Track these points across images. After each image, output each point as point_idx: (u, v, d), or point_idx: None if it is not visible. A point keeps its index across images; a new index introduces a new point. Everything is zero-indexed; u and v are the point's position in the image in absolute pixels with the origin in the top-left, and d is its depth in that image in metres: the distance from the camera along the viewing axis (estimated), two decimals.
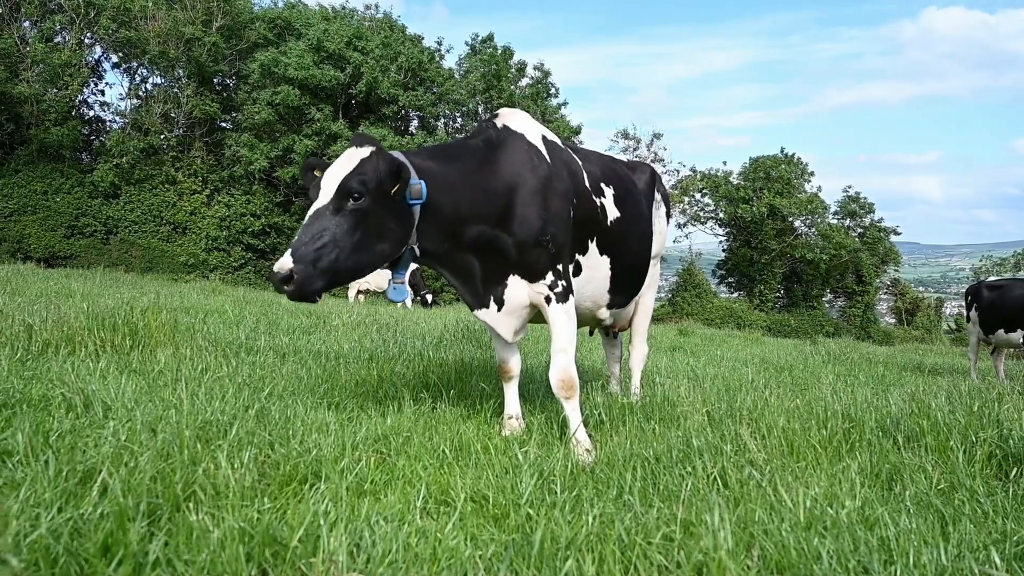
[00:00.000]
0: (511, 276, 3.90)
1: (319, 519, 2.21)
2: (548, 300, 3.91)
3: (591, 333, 6.08)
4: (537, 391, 5.04)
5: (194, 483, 2.43)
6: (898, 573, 2.09)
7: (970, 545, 2.38)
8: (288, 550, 2.04)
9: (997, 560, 2.16)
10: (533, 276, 3.89)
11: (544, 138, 4.13)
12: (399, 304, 20.23)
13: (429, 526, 2.38)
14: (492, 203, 3.76)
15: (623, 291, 4.74)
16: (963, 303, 13.10)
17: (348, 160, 3.34)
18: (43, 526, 1.87)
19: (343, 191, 3.26)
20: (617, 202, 4.56)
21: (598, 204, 4.36)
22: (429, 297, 21.68)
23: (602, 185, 4.49)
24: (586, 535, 2.27)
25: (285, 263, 3.12)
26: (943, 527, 2.59)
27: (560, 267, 3.96)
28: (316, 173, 3.41)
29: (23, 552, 1.79)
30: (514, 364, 4.23)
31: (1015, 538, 2.47)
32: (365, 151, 3.35)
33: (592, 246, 4.31)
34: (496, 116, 4.13)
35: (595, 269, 4.37)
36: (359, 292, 21.58)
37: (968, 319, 12.19)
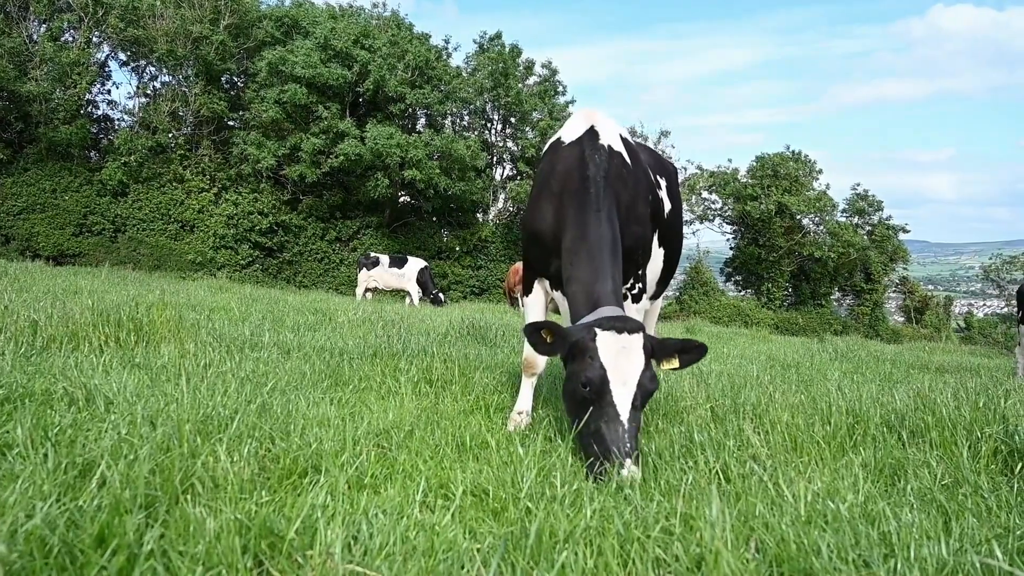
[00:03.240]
0: None
1: (316, 512, 2.20)
2: (625, 297, 3.92)
3: None
4: (541, 385, 5.02)
5: (193, 476, 2.43)
6: (898, 566, 2.08)
7: (972, 539, 2.36)
8: (285, 542, 2.03)
9: (999, 554, 2.14)
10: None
11: (621, 137, 4.07)
12: (407, 303, 20.27)
13: (428, 519, 2.37)
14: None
15: (663, 282, 4.77)
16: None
17: (636, 350, 3.22)
18: (38, 517, 1.87)
19: (645, 392, 3.21)
20: (669, 194, 4.57)
21: (660, 198, 4.35)
22: (442, 296, 21.74)
23: (657, 177, 4.47)
24: (585, 528, 2.26)
25: (637, 472, 2.99)
26: (945, 522, 2.58)
27: (641, 271, 3.96)
28: (543, 335, 3.39)
29: (18, 542, 1.79)
30: (541, 360, 4.17)
31: (1018, 532, 2.45)
32: (640, 338, 3.24)
33: (655, 239, 4.29)
34: (596, 133, 3.90)
35: (654, 262, 4.35)
36: (367, 290, 21.59)
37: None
